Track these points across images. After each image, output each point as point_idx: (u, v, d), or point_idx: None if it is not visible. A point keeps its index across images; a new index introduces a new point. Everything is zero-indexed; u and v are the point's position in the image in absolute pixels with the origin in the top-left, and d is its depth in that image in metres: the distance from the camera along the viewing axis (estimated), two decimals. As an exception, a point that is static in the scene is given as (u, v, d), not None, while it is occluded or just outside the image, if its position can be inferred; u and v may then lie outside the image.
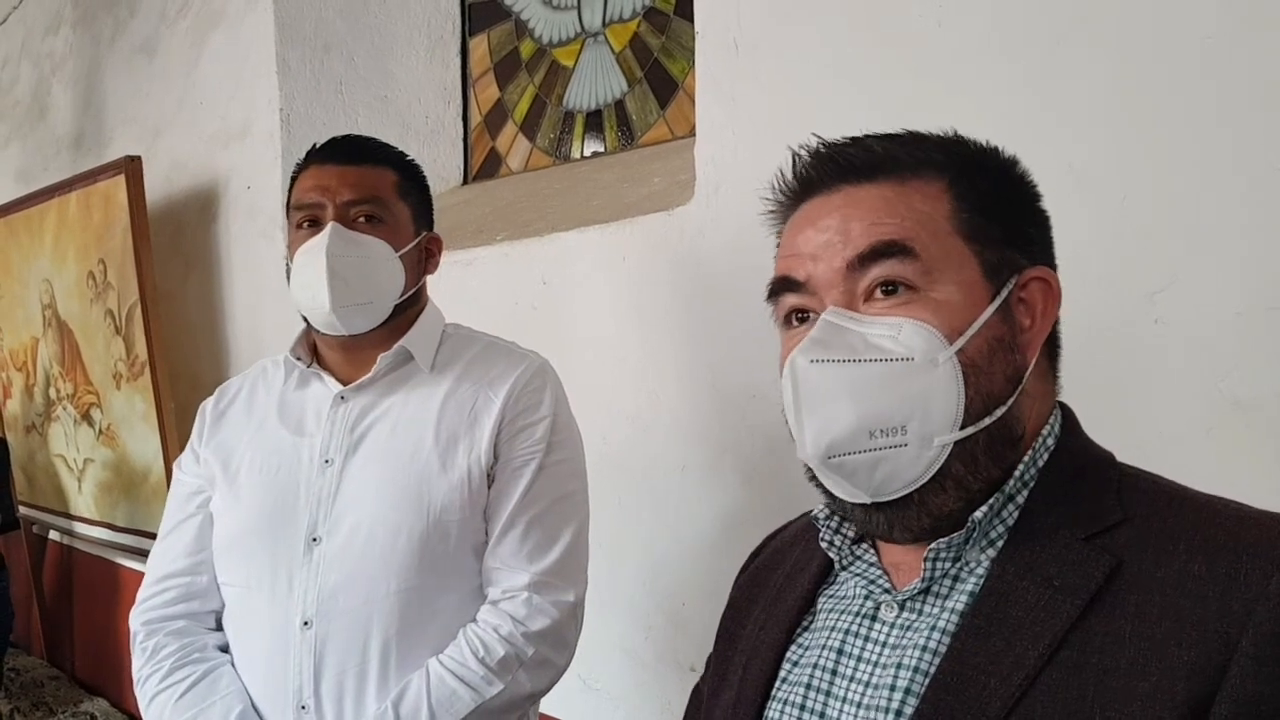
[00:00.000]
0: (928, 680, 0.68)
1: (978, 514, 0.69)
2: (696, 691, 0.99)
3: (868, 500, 0.71)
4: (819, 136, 0.76)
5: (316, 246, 1.27)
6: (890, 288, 0.70)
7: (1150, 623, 0.62)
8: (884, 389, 0.68)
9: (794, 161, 0.76)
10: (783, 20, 1.51)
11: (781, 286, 0.75)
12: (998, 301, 0.70)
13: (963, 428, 0.68)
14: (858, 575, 0.77)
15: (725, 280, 1.62)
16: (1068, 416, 0.76)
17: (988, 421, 0.69)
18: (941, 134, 0.76)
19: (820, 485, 0.74)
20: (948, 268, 0.70)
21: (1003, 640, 0.66)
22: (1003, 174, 0.75)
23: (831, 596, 0.80)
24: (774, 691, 0.78)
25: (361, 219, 1.29)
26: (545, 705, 1.44)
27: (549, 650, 1.26)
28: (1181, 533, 0.65)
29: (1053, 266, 0.76)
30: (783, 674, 0.78)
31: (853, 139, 0.75)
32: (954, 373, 0.68)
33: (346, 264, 1.26)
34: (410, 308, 1.35)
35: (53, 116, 3.82)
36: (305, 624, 1.25)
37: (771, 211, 0.80)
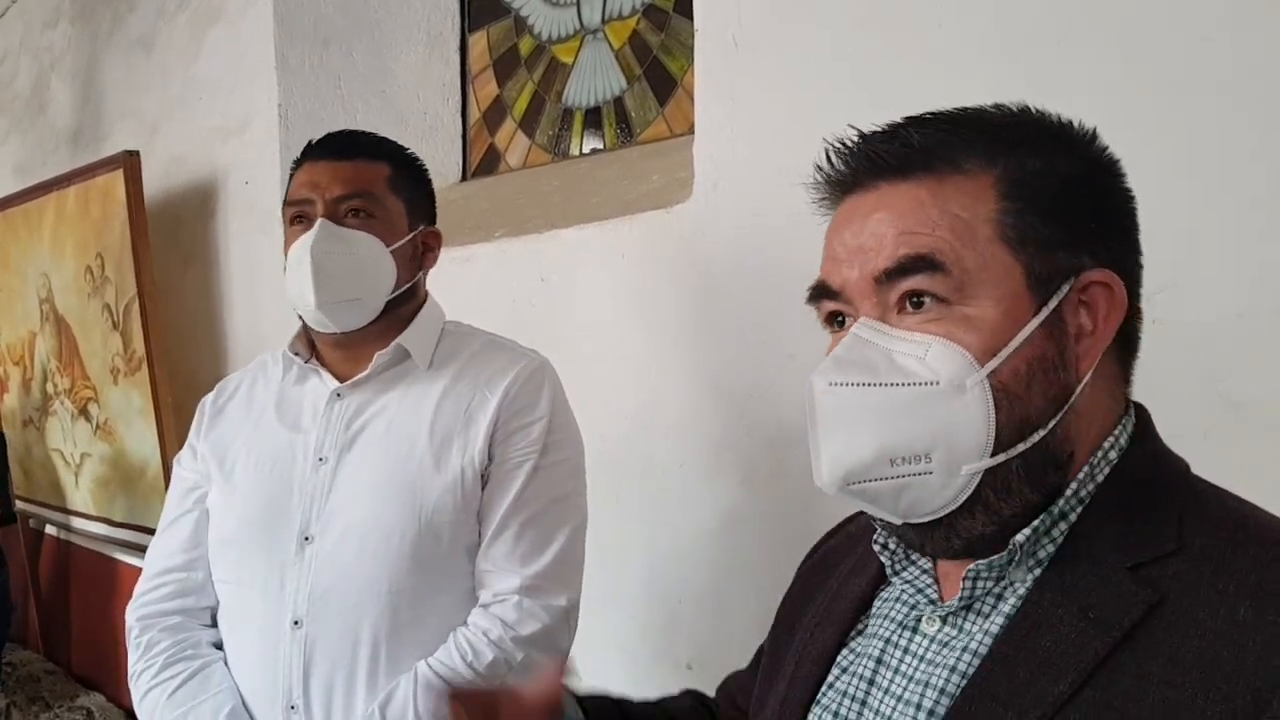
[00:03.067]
0: (952, 703, 0.65)
1: (1019, 537, 0.65)
2: (760, 650, 0.95)
3: (898, 521, 0.67)
4: (856, 128, 0.70)
5: (304, 243, 1.26)
6: (918, 301, 0.65)
7: (1183, 669, 0.57)
8: (906, 416, 0.63)
9: (828, 156, 0.71)
10: (783, 18, 1.51)
11: (819, 293, 0.71)
12: (1041, 317, 0.64)
13: (993, 454, 0.63)
14: (908, 582, 0.72)
15: (724, 278, 1.62)
16: (1141, 422, 0.71)
17: (1022, 448, 0.64)
18: (1002, 111, 0.70)
19: None
20: (984, 281, 0.64)
21: (1028, 672, 0.62)
22: (1070, 158, 0.68)
23: (884, 600, 0.76)
24: (819, 696, 0.75)
25: (352, 214, 1.28)
26: (542, 703, 1.44)
27: (539, 655, 1.24)
28: (1236, 571, 0.60)
29: (1129, 260, 0.69)
30: (830, 679, 0.76)
31: (893, 127, 0.69)
32: (984, 397, 0.63)
33: (332, 260, 1.25)
34: (405, 304, 1.33)
35: (51, 111, 3.81)
36: (296, 623, 1.24)
37: (821, 199, 0.74)
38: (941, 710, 0.65)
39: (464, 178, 2.63)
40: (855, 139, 0.69)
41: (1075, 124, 0.69)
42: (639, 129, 2.25)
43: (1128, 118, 1.16)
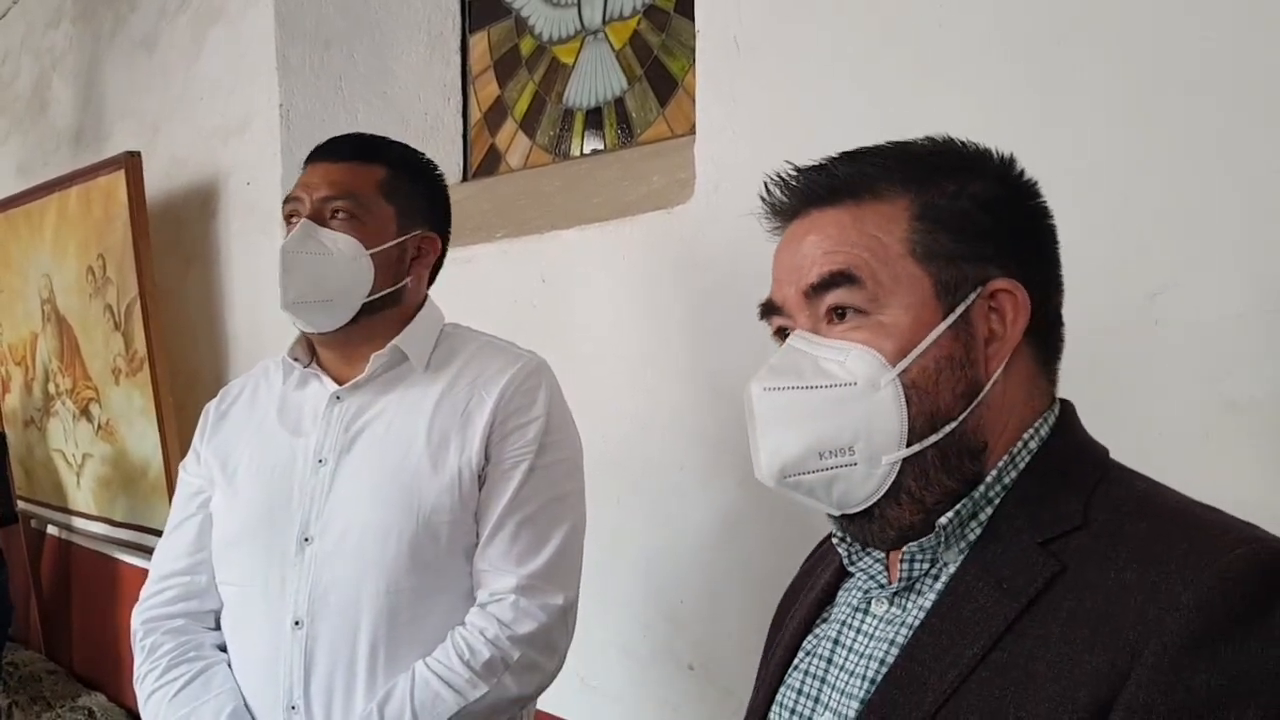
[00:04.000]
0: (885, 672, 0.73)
1: (943, 520, 0.72)
2: None
3: (836, 513, 0.76)
4: (792, 164, 0.79)
5: (283, 243, 1.28)
6: (840, 312, 0.73)
7: (1075, 627, 0.64)
8: (829, 413, 0.72)
9: (768, 189, 0.80)
10: (784, 19, 1.51)
11: (767, 309, 0.80)
12: (948, 321, 0.72)
13: (909, 444, 0.71)
14: (863, 570, 0.80)
15: (725, 279, 1.62)
16: (1065, 416, 0.77)
17: (935, 438, 0.72)
18: (923, 144, 0.77)
19: None
20: (895, 292, 0.72)
21: (949, 638, 0.70)
22: (985, 182, 0.75)
23: (846, 590, 0.84)
24: (787, 677, 0.84)
25: (337, 215, 1.28)
26: (543, 703, 1.44)
27: (536, 654, 1.24)
28: (1130, 541, 0.66)
29: (1045, 272, 0.76)
30: (795, 662, 0.84)
31: (822, 162, 0.78)
32: (896, 394, 0.71)
33: (302, 260, 1.26)
34: (391, 306, 1.32)
35: (53, 111, 3.81)
36: (296, 624, 1.25)
37: (776, 228, 0.82)
38: (880, 678, 0.73)
39: (465, 178, 2.64)
40: (791, 173, 0.79)
41: (993, 151, 0.77)
42: (640, 130, 2.25)
43: (1128, 117, 1.16)
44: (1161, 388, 1.14)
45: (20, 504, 3.71)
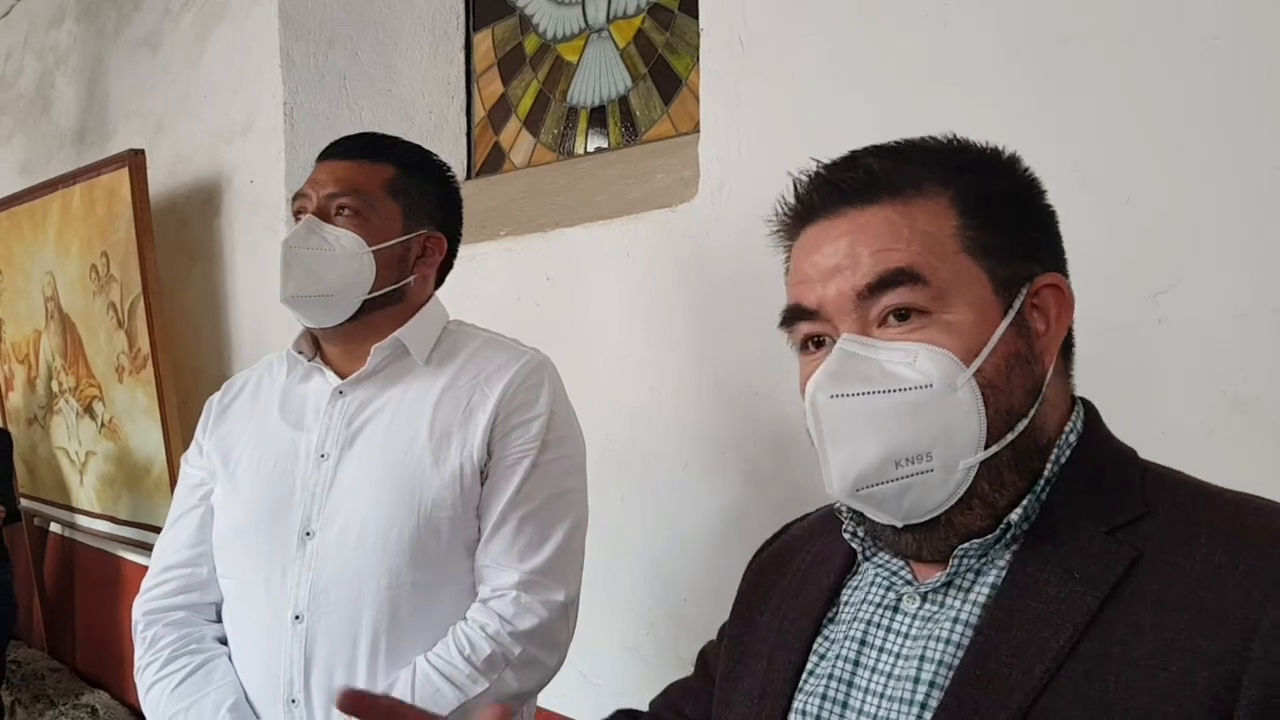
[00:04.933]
0: (951, 672, 0.69)
1: (1013, 516, 0.70)
2: (703, 655, 0.99)
3: (899, 524, 0.71)
4: (817, 160, 0.75)
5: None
6: (902, 314, 0.69)
7: (1171, 612, 0.63)
8: (906, 418, 0.68)
9: (794, 187, 0.76)
10: (788, 17, 1.51)
11: (795, 314, 0.74)
12: (1010, 316, 0.70)
13: (987, 447, 0.69)
14: (880, 566, 0.77)
15: (729, 277, 1.63)
16: (1089, 412, 0.76)
17: (1011, 437, 0.69)
18: (940, 140, 0.75)
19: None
20: (958, 288, 0.69)
21: (1024, 632, 0.66)
22: (1006, 178, 0.74)
23: (855, 588, 0.80)
24: (801, 684, 0.78)
25: (342, 212, 1.29)
26: (547, 701, 1.44)
27: (537, 650, 1.25)
28: (1205, 525, 0.66)
29: (1062, 267, 0.76)
30: (810, 666, 0.79)
31: (850, 158, 0.74)
32: (973, 395, 0.68)
33: (302, 256, 1.27)
34: (395, 304, 1.33)
35: (56, 109, 3.82)
36: (297, 618, 1.25)
37: (778, 231, 0.79)
38: (941, 679, 0.69)
39: (469, 176, 2.64)
40: (817, 170, 0.75)
41: (1000, 150, 0.76)
42: (644, 128, 2.25)
43: (1131, 117, 1.16)
44: (1165, 386, 1.14)
45: (23, 502, 3.71)
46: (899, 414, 0.68)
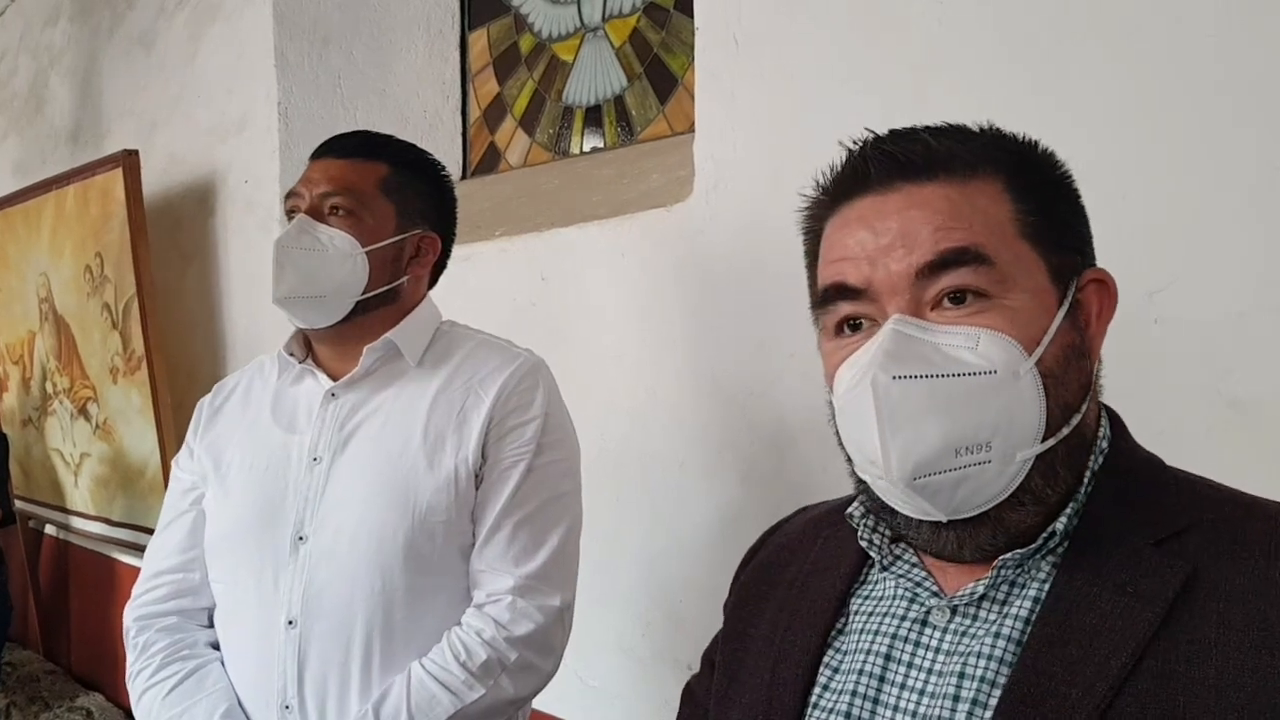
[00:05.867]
0: (1000, 691, 0.65)
1: (1059, 524, 0.67)
2: (689, 691, 0.95)
3: (943, 519, 0.66)
4: (872, 130, 0.71)
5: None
6: (958, 297, 0.66)
7: (1236, 630, 0.60)
8: (970, 405, 0.64)
9: (848, 156, 0.71)
10: (783, 16, 1.51)
11: (835, 293, 0.69)
12: (1065, 306, 0.68)
13: (1044, 439, 0.66)
14: (901, 577, 0.73)
15: (724, 277, 1.62)
16: (1114, 418, 0.74)
17: (1065, 431, 0.66)
18: (985, 128, 0.72)
19: (865, 490, 0.71)
20: (1018, 274, 0.66)
21: (1079, 649, 0.63)
22: (1052, 170, 0.72)
23: (867, 598, 0.76)
24: (814, 699, 0.74)
25: (335, 212, 1.28)
26: (543, 703, 1.43)
27: (533, 655, 1.24)
28: (1254, 539, 0.64)
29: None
30: (822, 680, 0.75)
31: (904, 132, 0.70)
32: (1035, 384, 0.65)
33: (294, 255, 1.25)
34: (389, 304, 1.32)
35: (50, 109, 3.81)
36: (290, 623, 1.24)
37: (806, 210, 0.75)
38: (985, 698, 0.65)
39: (464, 176, 2.63)
40: (875, 138, 0.71)
41: (1038, 143, 0.73)
42: (639, 127, 2.24)
43: (1130, 116, 1.16)
44: (1162, 386, 1.14)
45: (18, 504, 3.70)
46: (964, 399, 0.64)
